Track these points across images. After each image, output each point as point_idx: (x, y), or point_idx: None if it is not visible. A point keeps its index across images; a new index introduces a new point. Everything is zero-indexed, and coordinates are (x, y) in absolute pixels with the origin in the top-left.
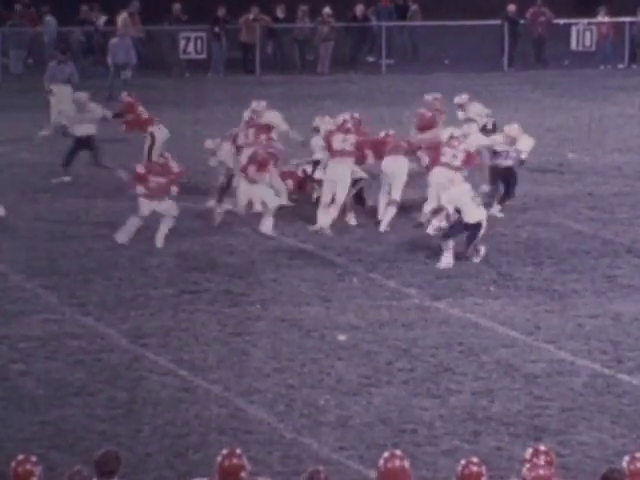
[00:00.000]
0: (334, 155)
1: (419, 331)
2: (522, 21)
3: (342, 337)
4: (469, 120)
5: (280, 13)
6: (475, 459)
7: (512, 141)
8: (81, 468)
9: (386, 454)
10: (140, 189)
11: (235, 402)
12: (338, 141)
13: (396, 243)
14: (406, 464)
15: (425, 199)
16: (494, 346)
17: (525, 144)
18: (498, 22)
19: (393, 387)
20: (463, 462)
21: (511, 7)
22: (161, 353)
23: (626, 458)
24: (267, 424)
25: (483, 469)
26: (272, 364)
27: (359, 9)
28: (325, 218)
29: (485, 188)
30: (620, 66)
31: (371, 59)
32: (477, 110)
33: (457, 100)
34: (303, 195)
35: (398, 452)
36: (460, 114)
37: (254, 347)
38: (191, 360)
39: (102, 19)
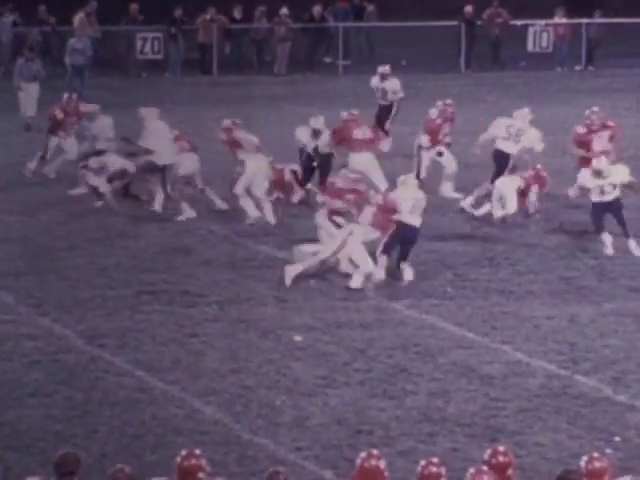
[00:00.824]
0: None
1: (376, 332)
2: (479, 22)
3: (299, 338)
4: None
5: (237, 14)
6: (435, 459)
7: (599, 174)
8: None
9: (363, 454)
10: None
11: (192, 403)
12: None
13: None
14: (382, 464)
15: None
16: (450, 347)
17: (620, 175)
18: (455, 23)
19: (349, 388)
20: (423, 462)
21: (468, 8)
22: (118, 354)
23: (584, 458)
24: (223, 425)
25: (442, 470)
26: (229, 365)
27: (316, 10)
28: None
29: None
30: (577, 68)
31: (328, 60)
32: (394, 86)
33: (380, 69)
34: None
35: (375, 452)
36: (375, 80)
37: (211, 348)
38: (148, 361)
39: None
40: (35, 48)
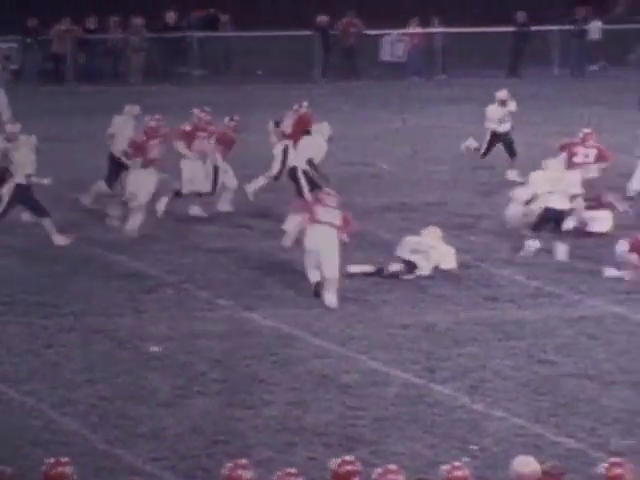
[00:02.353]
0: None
1: (232, 342)
2: (333, 32)
3: (155, 348)
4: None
5: (91, 24)
6: (292, 470)
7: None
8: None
9: (230, 463)
10: None
11: (48, 414)
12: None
13: (209, 253)
14: (248, 474)
15: None
16: (307, 357)
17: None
18: (310, 33)
19: (207, 398)
20: (279, 473)
21: (322, 18)
22: None
23: (444, 467)
24: (80, 435)
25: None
26: (85, 375)
27: (170, 16)
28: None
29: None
30: (432, 77)
31: (184, 70)
32: (514, 107)
33: (500, 95)
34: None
35: (243, 461)
36: (494, 108)
37: (66, 358)
38: (3, 372)
39: None
40: None
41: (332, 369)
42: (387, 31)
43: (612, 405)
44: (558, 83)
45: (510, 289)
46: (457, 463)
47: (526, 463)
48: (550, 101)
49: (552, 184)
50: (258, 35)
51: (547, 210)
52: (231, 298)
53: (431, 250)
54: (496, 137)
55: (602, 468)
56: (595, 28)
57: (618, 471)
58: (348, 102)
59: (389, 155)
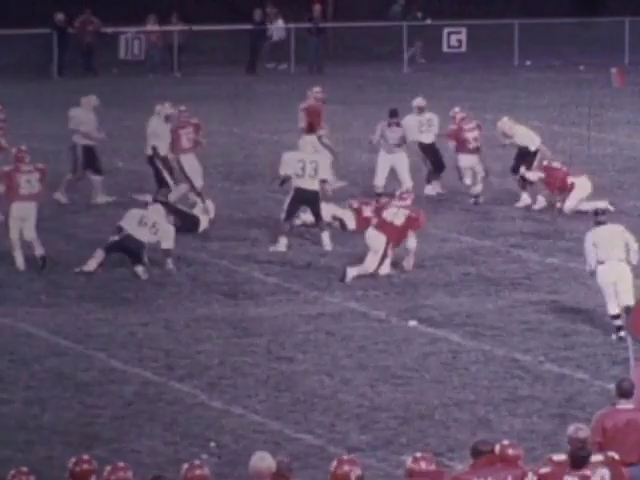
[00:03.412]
0: None
1: None
2: (71, 30)
3: None
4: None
5: None
6: (24, 469)
7: None
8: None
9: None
10: None
11: None
12: None
13: None
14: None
15: None
16: (45, 355)
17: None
18: (47, 31)
19: None
20: (12, 472)
21: (59, 16)
22: None
23: (185, 466)
24: None
25: (32, 478)
26: None
27: None
28: None
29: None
30: (171, 75)
31: None
32: (431, 115)
33: (416, 103)
34: None
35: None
36: (412, 117)
37: None
38: None
39: None
40: None
41: (70, 367)
42: (124, 29)
43: (350, 401)
44: (295, 80)
45: (248, 286)
46: (196, 461)
47: (262, 459)
48: (287, 98)
49: (302, 166)
50: None
51: (297, 191)
52: None
53: (157, 225)
54: (424, 149)
55: (332, 465)
56: (279, 28)
57: (346, 468)
58: None
59: (125, 152)
